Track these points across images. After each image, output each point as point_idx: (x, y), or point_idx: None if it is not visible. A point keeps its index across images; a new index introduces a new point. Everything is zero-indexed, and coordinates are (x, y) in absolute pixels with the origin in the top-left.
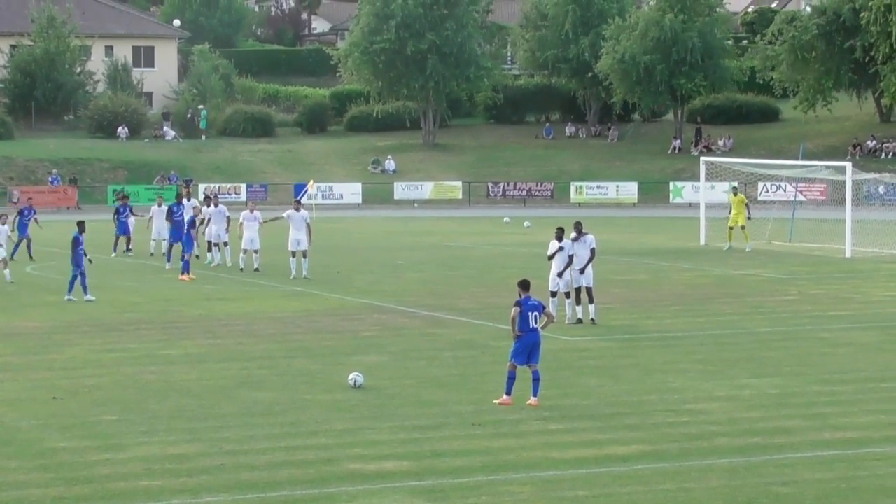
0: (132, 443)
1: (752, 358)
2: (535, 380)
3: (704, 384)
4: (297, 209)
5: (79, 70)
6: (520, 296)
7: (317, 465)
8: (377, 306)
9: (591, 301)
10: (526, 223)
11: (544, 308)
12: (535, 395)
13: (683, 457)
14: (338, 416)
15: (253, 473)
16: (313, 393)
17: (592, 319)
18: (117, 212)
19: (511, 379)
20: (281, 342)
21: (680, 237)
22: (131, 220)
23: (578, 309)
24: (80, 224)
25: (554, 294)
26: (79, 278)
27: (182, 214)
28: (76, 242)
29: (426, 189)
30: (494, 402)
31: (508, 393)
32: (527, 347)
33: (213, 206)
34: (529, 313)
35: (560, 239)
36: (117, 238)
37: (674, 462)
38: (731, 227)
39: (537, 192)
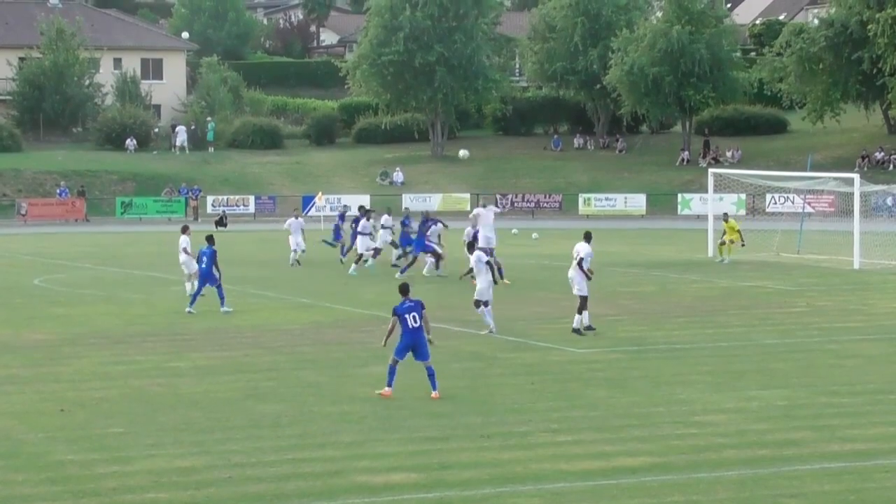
0: (139, 455)
1: (760, 370)
2: (430, 375)
3: (713, 396)
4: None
5: (87, 82)
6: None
7: (324, 477)
8: (385, 318)
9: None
10: (534, 235)
11: (423, 307)
12: (434, 389)
13: (692, 469)
14: (345, 428)
15: (260, 486)
16: (321, 405)
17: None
18: (342, 220)
19: (391, 373)
20: (289, 354)
21: (688, 249)
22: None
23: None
24: (211, 238)
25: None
26: (216, 290)
27: (365, 227)
28: (213, 256)
29: (434, 201)
30: (376, 392)
31: (389, 385)
32: (408, 346)
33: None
34: (406, 315)
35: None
36: (348, 248)
37: (682, 474)
38: (722, 244)
39: (545, 204)
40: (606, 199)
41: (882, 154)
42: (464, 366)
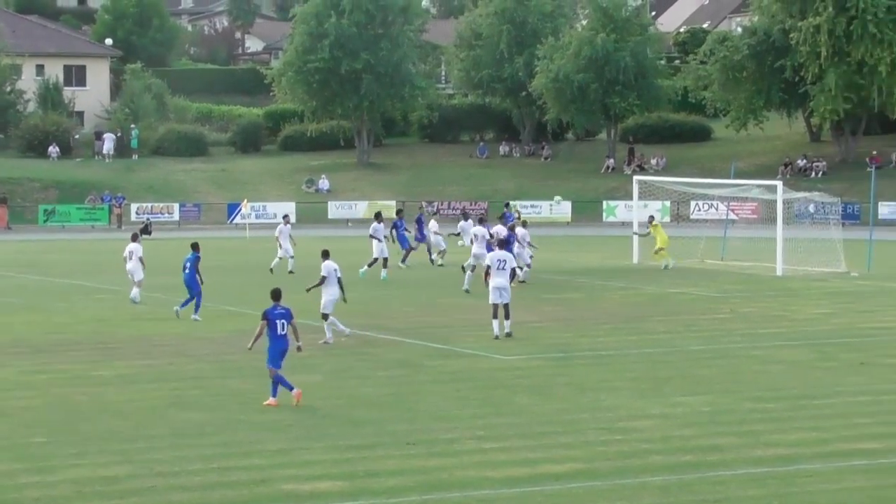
0: (63, 465)
1: (685, 376)
2: (277, 382)
3: (638, 402)
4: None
5: (9, 89)
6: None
7: (250, 485)
8: (310, 326)
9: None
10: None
11: (292, 317)
12: (273, 396)
13: (617, 475)
14: (271, 437)
15: (185, 495)
16: (246, 413)
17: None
18: (395, 226)
19: (275, 383)
20: (213, 362)
21: (613, 256)
22: (407, 235)
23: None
24: (196, 245)
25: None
26: (195, 297)
27: (405, 228)
28: (196, 262)
29: (360, 208)
30: (264, 403)
31: (274, 395)
32: (278, 353)
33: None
34: (276, 321)
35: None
36: (407, 251)
37: (607, 480)
38: (657, 251)
39: (471, 211)
40: (532, 206)
41: (804, 161)
42: (389, 373)
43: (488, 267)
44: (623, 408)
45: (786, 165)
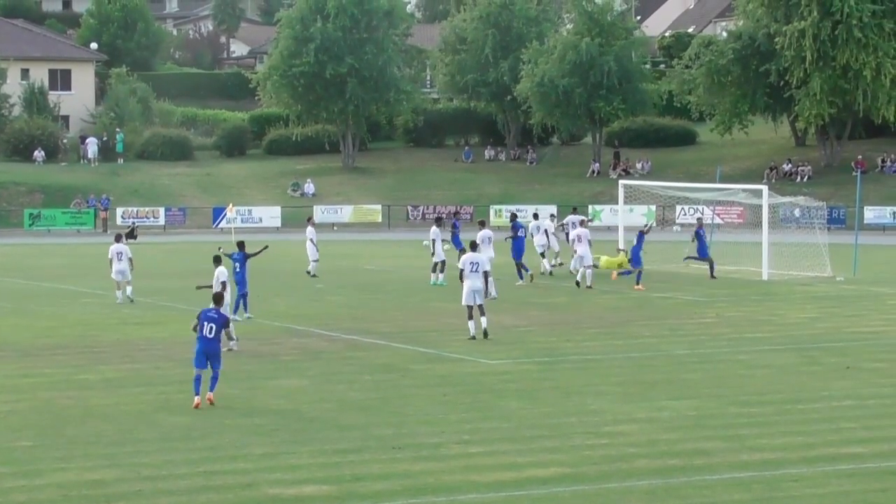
0: (49, 469)
1: (671, 380)
2: (214, 378)
3: (624, 406)
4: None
5: None
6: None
7: (236, 489)
8: (297, 330)
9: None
10: (446, 245)
11: (226, 322)
12: (211, 390)
13: (603, 479)
14: (257, 441)
15: (171, 499)
16: (232, 417)
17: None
18: (454, 226)
19: (196, 381)
20: None
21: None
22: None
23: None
24: (242, 244)
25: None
26: (242, 297)
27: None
28: (245, 261)
29: (346, 212)
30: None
31: (197, 393)
32: (202, 354)
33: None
34: (205, 323)
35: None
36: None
37: (593, 484)
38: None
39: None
40: (518, 210)
41: (790, 166)
42: (375, 377)
43: (461, 270)
44: (609, 412)
45: (771, 170)
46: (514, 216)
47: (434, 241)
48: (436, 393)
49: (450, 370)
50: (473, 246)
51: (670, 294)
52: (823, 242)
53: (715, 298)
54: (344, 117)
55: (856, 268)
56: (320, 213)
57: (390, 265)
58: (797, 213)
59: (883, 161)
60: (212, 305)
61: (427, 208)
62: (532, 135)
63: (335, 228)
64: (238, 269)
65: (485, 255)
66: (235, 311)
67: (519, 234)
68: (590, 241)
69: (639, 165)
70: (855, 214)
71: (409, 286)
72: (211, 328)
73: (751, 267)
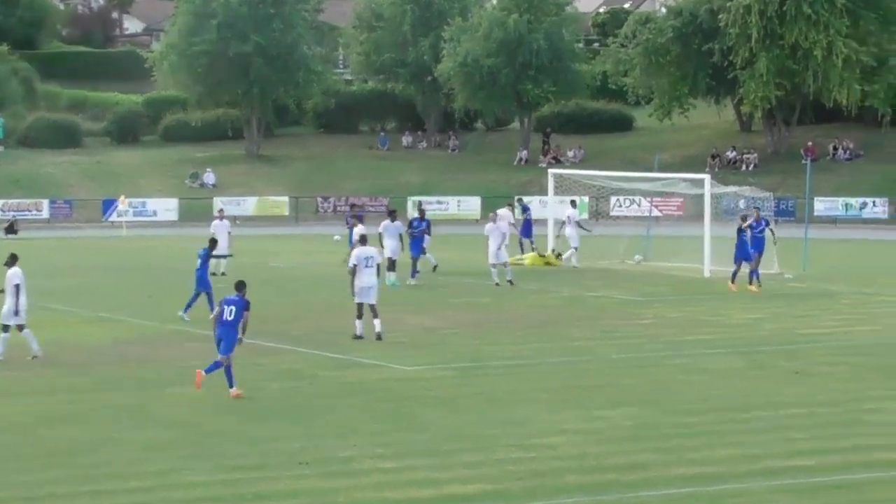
0: None
1: (605, 386)
2: (215, 362)
3: (553, 416)
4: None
5: None
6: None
7: None
8: (193, 333)
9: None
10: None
11: (247, 305)
12: (207, 371)
13: (529, 496)
14: (151, 456)
15: None
16: (123, 431)
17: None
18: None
19: (227, 371)
20: (86, 374)
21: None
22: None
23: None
24: (214, 241)
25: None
26: (205, 297)
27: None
28: (207, 258)
29: (249, 205)
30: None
31: (231, 385)
32: (219, 337)
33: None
34: (225, 307)
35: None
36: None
37: (518, 502)
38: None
39: (371, 208)
40: (438, 202)
41: (734, 153)
42: (281, 385)
43: (354, 266)
44: (536, 422)
45: (714, 157)
46: (519, 200)
47: (380, 233)
48: (346, 402)
49: (362, 377)
50: (364, 240)
51: (604, 293)
52: (770, 236)
53: (653, 297)
54: (248, 100)
55: (805, 263)
56: (221, 205)
57: (297, 262)
58: (742, 204)
59: (834, 148)
60: (236, 293)
61: (339, 200)
62: (454, 120)
63: (237, 222)
64: (200, 267)
65: (374, 250)
66: (186, 310)
67: (527, 216)
68: (505, 235)
69: (570, 153)
70: (805, 206)
71: (317, 285)
72: (231, 311)
73: (691, 263)
